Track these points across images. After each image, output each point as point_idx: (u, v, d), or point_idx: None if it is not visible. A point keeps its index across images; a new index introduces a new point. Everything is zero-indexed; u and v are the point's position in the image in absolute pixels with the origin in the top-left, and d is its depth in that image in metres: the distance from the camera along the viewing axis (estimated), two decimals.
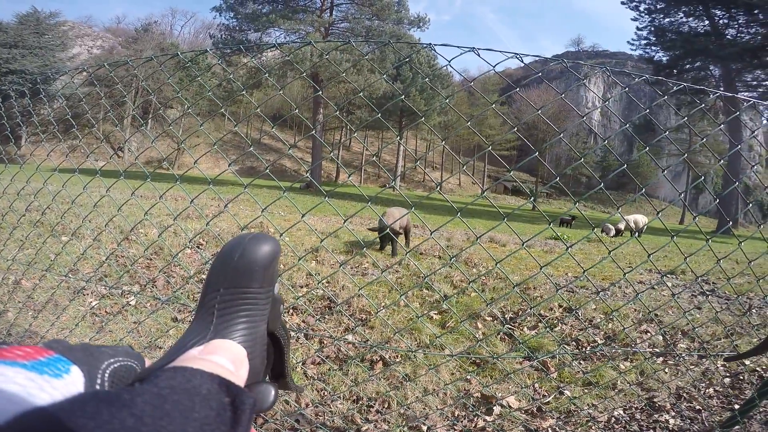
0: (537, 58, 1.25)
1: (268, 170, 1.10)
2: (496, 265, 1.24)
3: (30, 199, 4.03)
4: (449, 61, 0.93)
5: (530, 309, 3.08)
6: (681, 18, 22.75)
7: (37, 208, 4.41)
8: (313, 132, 1.37)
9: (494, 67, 0.91)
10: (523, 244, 1.08)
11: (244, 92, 1.24)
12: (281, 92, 1.12)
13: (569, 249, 1.08)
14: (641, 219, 13.25)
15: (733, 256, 6.01)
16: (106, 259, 3.13)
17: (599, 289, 3.81)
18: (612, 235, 12.01)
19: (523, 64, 1.16)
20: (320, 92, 1.15)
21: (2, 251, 2.92)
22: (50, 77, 3.68)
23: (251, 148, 1.18)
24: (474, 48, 0.91)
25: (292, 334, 2.11)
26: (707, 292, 4.09)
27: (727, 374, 2.58)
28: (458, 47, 0.93)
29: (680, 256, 6.40)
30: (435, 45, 0.94)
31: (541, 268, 1.09)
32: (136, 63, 1.34)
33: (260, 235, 0.29)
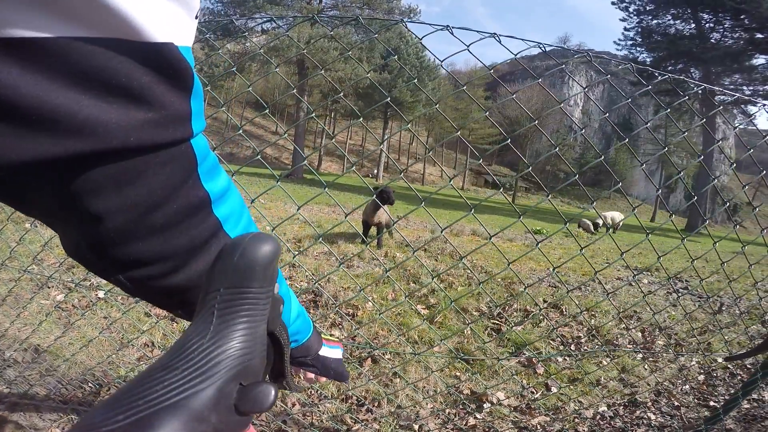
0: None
1: (259, 157, 1.01)
2: (461, 259, 1.19)
3: None
4: (468, 46, 0.86)
5: (516, 305, 3.09)
6: (669, 20, 23.32)
7: None
8: (300, 121, 1.27)
9: (516, 55, 0.85)
10: (490, 238, 1.03)
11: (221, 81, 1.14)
12: (252, 83, 1.03)
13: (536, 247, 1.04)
14: (617, 216, 13.65)
15: (700, 254, 6.23)
16: None
17: (571, 287, 3.87)
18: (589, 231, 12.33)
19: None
20: (298, 81, 1.06)
21: None
22: None
23: (229, 138, 1.08)
24: (495, 34, 0.84)
25: None
26: (680, 290, 4.23)
27: (701, 371, 2.66)
28: (478, 32, 0.86)
29: (654, 253, 6.59)
30: (453, 27, 0.87)
31: (553, 269, 1.04)
32: None
33: (260, 235, 0.29)
